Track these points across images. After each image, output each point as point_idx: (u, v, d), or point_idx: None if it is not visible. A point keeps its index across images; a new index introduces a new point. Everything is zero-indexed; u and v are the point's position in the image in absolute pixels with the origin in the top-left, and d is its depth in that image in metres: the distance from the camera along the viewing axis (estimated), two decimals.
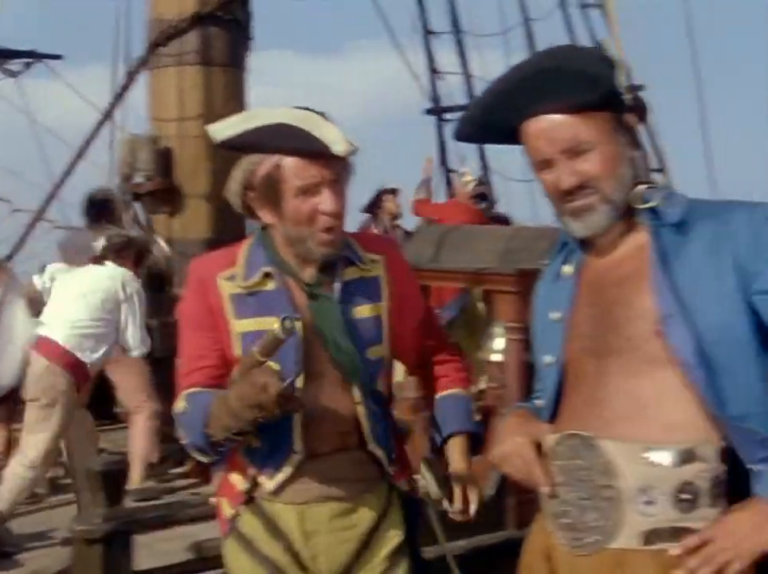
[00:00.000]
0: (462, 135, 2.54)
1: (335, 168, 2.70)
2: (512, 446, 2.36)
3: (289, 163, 2.67)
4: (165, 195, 8.53)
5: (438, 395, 2.98)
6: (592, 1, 12.37)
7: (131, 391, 6.91)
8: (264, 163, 2.69)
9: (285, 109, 2.72)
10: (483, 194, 10.19)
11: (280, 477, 2.75)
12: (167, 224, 8.61)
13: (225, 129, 2.76)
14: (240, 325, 2.74)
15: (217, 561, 4.67)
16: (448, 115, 13.37)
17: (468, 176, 10.43)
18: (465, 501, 2.85)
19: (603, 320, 2.27)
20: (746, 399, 2.13)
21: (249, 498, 2.81)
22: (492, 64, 12.95)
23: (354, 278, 2.80)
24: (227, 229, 8.60)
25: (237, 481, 2.82)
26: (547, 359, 2.38)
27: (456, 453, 2.92)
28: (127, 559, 4.27)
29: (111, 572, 4.18)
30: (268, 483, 2.76)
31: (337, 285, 2.76)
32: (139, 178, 8.36)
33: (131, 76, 8.32)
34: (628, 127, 2.28)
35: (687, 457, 2.15)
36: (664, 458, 2.15)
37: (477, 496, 2.87)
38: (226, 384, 2.63)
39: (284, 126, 2.67)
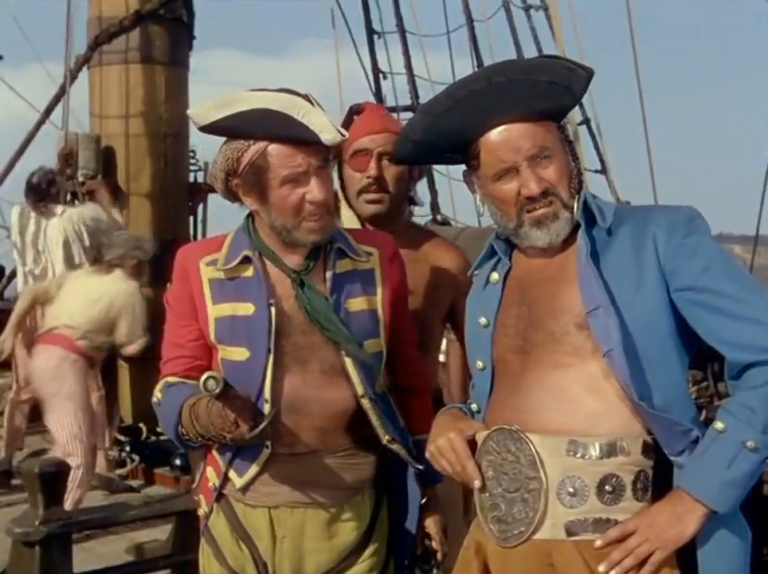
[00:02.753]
0: (401, 156, 2.58)
1: (322, 155, 2.64)
2: (446, 442, 2.38)
3: (275, 150, 2.60)
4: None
5: (413, 438, 2.86)
6: (536, 3, 12.43)
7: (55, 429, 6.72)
8: (248, 150, 2.62)
9: (269, 93, 2.65)
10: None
11: (250, 473, 2.69)
12: None
13: (206, 113, 2.67)
14: (216, 310, 2.71)
15: (157, 563, 4.70)
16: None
17: None
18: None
19: (527, 317, 2.33)
20: (669, 391, 2.21)
21: (221, 495, 2.76)
22: (437, 64, 12.98)
23: (348, 270, 2.75)
24: (169, 228, 8.56)
25: (211, 476, 2.78)
26: (479, 364, 2.43)
27: (426, 506, 2.86)
28: (66, 561, 4.23)
29: None
30: (238, 480, 2.71)
31: (329, 275, 2.71)
32: (80, 177, 8.28)
33: (73, 75, 8.23)
34: (569, 140, 2.36)
35: (610, 449, 2.20)
36: (587, 450, 2.20)
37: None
38: (200, 375, 2.60)
39: (269, 112, 2.60)
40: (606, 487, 2.20)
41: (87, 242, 7.31)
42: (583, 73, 2.34)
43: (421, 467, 2.78)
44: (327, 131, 2.59)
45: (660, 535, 2.13)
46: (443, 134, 2.37)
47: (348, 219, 3.18)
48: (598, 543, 2.16)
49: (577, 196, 2.32)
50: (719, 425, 2.14)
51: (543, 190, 2.28)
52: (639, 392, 2.17)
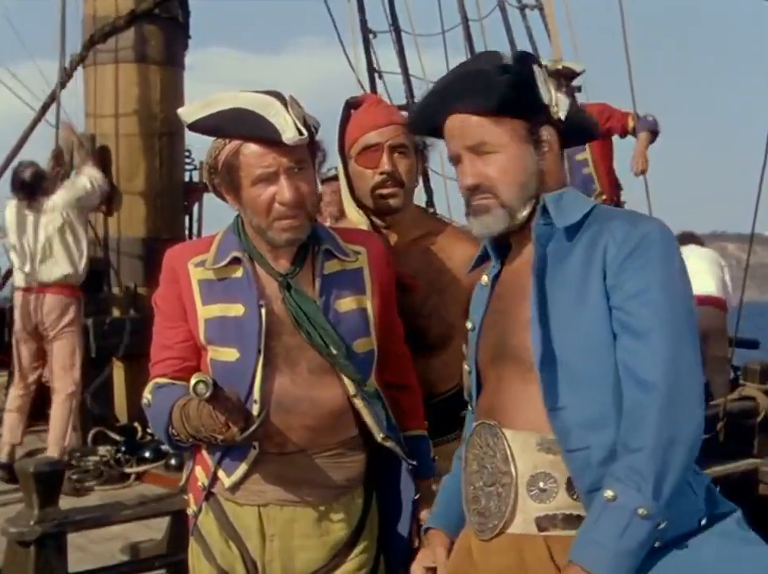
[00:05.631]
0: (410, 126, 2.66)
1: (296, 155, 2.64)
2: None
3: (247, 149, 2.63)
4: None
5: (404, 435, 2.90)
6: (531, 3, 12.40)
7: (61, 366, 7.26)
8: (224, 149, 2.66)
9: (250, 94, 2.67)
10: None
11: (238, 473, 2.71)
12: (104, 223, 8.54)
13: (192, 112, 2.72)
14: (206, 311, 2.73)
15: (152, 562, 4.70)
16: None
17: None
18: None
19: (497, 328, 2.35)
20: (601, 408, 2.17)
21: (210, 494, 2.78)
22: (433, 64, 12.97)
23: (336, 271, 2.76)
24: (165, 228, 8.56)
25: (200, 475, 2.80)
26: (466, 367, 2.47)
27: (419, 499, 2.87)
28: (61, 561, 4.23)
29: None
30: (226, 479, 2.73)
31: (317, 277, 2.72)
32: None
33: (68, 74, 8.21)
34: (540, 139, 2.32)
35: None
36: (556, 446, 2.20)
37: None
38: (189, 376, 2.61)
39: (244, 111, 2.62)
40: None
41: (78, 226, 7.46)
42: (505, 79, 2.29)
43: (414, 463, 2.81)
44: (289, 130, 2.59)
45: None
46: (430, 113, 2.43)
47: (356, 218, 3.16)
48: None
49: (532, 199, 2.31)
50: (608, 493, 2.07)
51: (476, 185, 2.30)
52: (552, 407, 2.17)
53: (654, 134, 8.96)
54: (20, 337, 7.38)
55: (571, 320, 2.20)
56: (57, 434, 7.10)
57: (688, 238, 9.24)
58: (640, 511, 2.04)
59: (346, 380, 2.71)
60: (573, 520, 2.19)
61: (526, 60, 2.34)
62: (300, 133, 2.60)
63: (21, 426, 7.39)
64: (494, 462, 2.28)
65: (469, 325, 2.44)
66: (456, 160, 2.35)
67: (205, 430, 2.54)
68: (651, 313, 2.15)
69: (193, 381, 2.43)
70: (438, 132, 2.45)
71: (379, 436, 2.75)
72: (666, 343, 2.13)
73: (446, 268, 3.19)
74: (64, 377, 7.24)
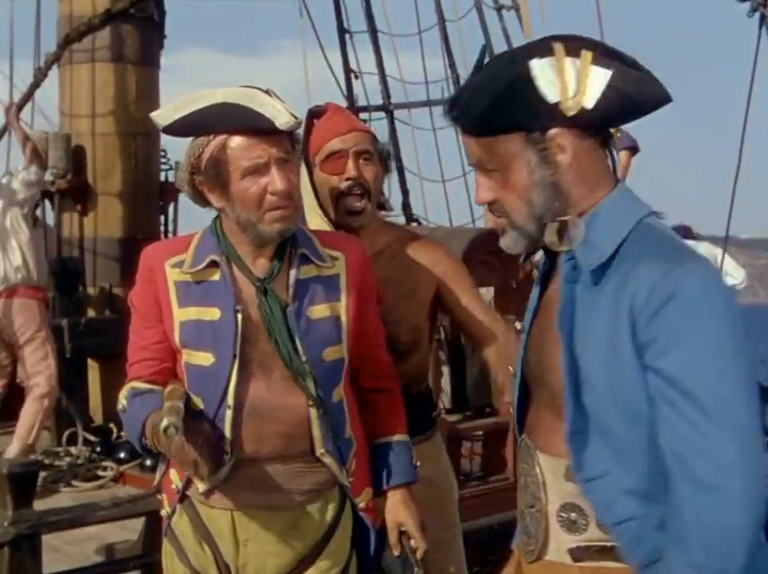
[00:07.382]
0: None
1: (284, 146, 2.63)
2: None
3: (234, 143, 2.60)
4: (76, 194, 8.42)
5: (381, 440, 2.87)
6: (507, 3, 12.44)
7: (33, 364, 7.18)
8: (209, 145, 2.61)
9: (228, 89, 2.65)
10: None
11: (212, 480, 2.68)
12: (79, 222, 8.51)
13: (167, 114, 2.68)
14: (181, 313, 2.70)
15: (127, 563, 4.69)
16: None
17: None
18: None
19: (538, 349, 2.13)
20: (649, 475, 1.95)
21: (184, 496, 2.76)
22: (409, 64, 12.99)
23: (311, 277, 2.72)
24: (140, 228, 8.53)
25: (174, 478, 2.78)
26: (511, 369, 2.24)
27: (400, 505, 2.84)
28: (36, 562, 4.22)
29: None
30: (200, 485, 2.71)
31: (292, 282, 2.69)
32: (49, 176, 8.23)
33: (43, 73, 8.18)
34: (547, 147, 2.00)
35: None
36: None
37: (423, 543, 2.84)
38: (166, 378, 2.63)
39: (227, 105, 2.60)
40: None
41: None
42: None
43: (347, 484, 2.76)
44: (282, 116, 2.58)
45: None
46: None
47: (318, 226, 3.13)
48: None
49: (548, 214, 2.02)
50: None
51: (488, 202, 2.07)
52: (588, 478, 1.99)
53: (635, 151, 9.03)
54: None
55: (605, 379, 1.94)
56: (22, 430, 7.02)
57: (682, 233, 8.96)
58: None
59: (307, 391, 2.66)
60: (607, 552, 2.03)
61: (514, 67, 2.01)
62: (295, 117, 2.60)
63: None
64: (532, 483, 2.14)
65: (519, 326, 2.24)
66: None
67: (175, 457, 2.57)
68: (694, 385, 1.84)
69: (163, 424, 2.41)
70: None
71: (319, 451, 2.70)
72: (719, 431, 1.82)
73: (413, 273, 3.19)
74: (35, 380, 7.15)
